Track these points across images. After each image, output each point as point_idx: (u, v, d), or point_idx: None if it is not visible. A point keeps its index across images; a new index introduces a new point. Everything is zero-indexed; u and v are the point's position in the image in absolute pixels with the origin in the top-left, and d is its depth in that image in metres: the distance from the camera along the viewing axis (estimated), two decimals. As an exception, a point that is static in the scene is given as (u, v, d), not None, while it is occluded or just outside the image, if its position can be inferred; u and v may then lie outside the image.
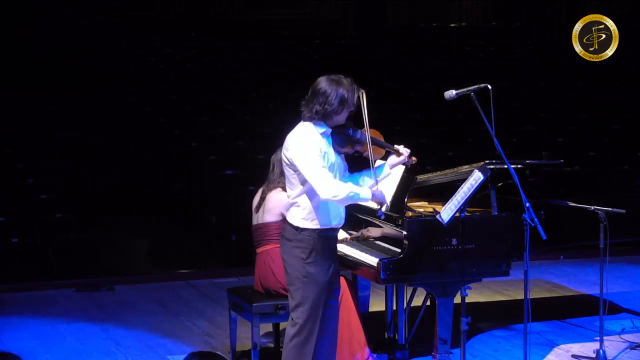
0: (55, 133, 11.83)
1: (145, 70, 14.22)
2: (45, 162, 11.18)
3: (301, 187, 5.27)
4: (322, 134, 5.28)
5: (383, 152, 5.53)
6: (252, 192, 6.53)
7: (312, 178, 5.18)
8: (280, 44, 15.68)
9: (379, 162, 5.54)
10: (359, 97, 5.31)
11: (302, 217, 5.29)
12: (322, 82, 5.28)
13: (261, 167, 7.70)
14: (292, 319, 5.37)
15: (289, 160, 5.28)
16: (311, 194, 5.26)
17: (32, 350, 6.97)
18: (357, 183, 5.48)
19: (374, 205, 6.14)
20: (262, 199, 6.35)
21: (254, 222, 6.41)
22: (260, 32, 15.96)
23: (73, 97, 12.75)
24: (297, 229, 5.30)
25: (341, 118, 5.31)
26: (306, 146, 5.21)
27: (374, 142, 5.42)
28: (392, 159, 5.56)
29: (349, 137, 5.35)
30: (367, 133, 5.35)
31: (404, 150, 5.53)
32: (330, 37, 16.36)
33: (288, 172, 5.33)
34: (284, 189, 6.23)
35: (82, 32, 14.46)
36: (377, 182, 5.42)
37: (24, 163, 11.19)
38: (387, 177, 5.70)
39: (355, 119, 5.41)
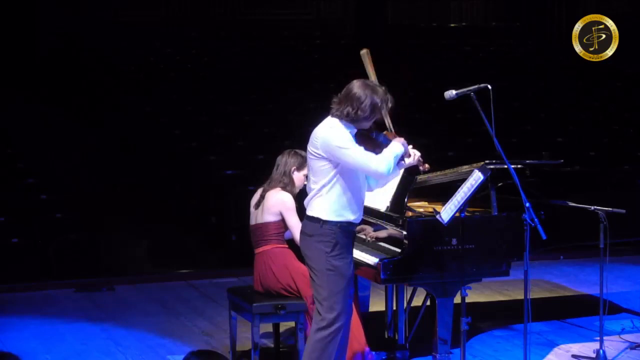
0: (55, 133, 11.83)
1: (145, 70, 14.22)
2: (45, 162, 11.18)
3: (329, 177, 5.33)
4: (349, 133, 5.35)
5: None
6: (252, 192, 6.53)
7: (361, 161, 5.26)
8: (280, 44, 15.67)
9: None
10: (390, 107, 5.43)
11: (326, 208, 5.34)
12: (358, 87, 5.36)
13: (261, 167, 7.70)
14: (320, 314, 5.38)
15: (319, 154, 5.33)
16: (339, 185, 5.32)
17: (32, 350, 6.97)
18: (369, 182, 5.55)
19: (374, 205, 6.16)
20: (262, 197, 6.36)
21: (253, 221, 6.41)
22: (260, 32, 15.95)
23: (73, 97, 12.75)
24: (318, 221, 5.35)
25: (367, 124, 5.41)
26: (343, 136, 5.29)
27: None
28: (405, 160, 5.58)
29: (372, 140, 5.44)
30: (390, 135, 5.46)
31: (414, 152, 5.56)
32: (330, 37, 16.36)
33: (316, 164, 5.36)
34: (284, 189, 6.26)
35: (82, 32, 14.46)
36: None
37: (24, 163, 11.19)
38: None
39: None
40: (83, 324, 7.75)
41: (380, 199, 6.12)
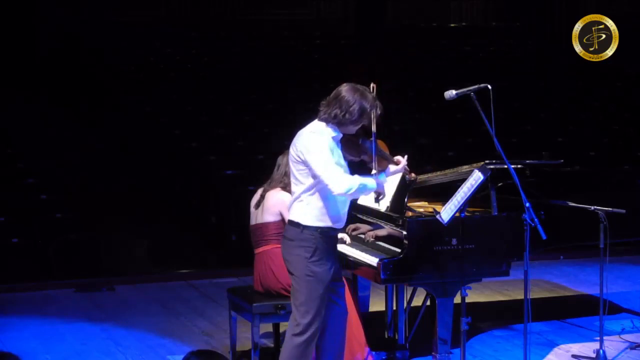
0: (55, 133, 11.84)
1: (145, 70, 14.22)
2: (45, 162, 11.18)
3: (309, 183, 5.29)
4: (333, 137, 5.32)
5: (387, 164, 5.54)
6: (252, 192, 6.53)
7: (324, 173, 5.19)
8: (280, 44, 15.68)
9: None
10: (379, 114, 5.35)
11: (306, 213, 5.31)
12: (348, 91, 5.32)
13: (261, 167, 7.70)
14: (295, 319, 5.37)
15: (298, 157, 5.30)
16: (320, 190, 5.28)
17: (32, 350, 6.97)
18: None
19: (374, 205, 6.16)
20: (262, 197, 6.36)
21: (253, 221, 6.41)
22: (260, 32, 15.95)
23: (73, 97, 12.76)
24: (298, 226, 5.31)
25: (354, 129, 5.37)
26: (319, 142, 5.24)
27: (380, 153, 5.48)
28: (391, 167, 5.55)
29: (359, 145, 5.41)
30: (374, 143, 5.38)
31: (402, 160, 5.53)
32: (330, 37, 16.36)
33: (296, 167, 5.34)
34: (284, 189, 6.25)
35: (82, 32, 14.46)
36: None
37: (24, 163, 11.19)
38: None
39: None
40: (83, 324, 7.75)
41: (380, 199, 6.12)
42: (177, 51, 15.00)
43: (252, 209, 6.44)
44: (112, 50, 14.28)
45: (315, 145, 5.23)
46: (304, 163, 5.28)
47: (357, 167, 5.56)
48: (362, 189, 5.28)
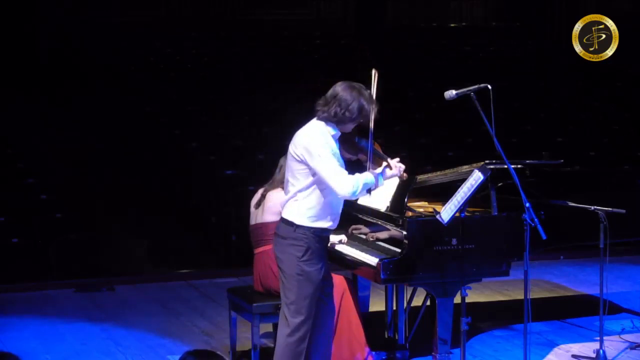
0: (55, 133, 11.84)
1: (145, 70, 14.22)
2: (45, 162, 11.18)
3: (307, 182, 5.31)
4: (332, 135, 5.35)
5: (382, 163, 5.53)
6: (252, 192, 6.54)
7: (329, 176, 5.22)
8: (280, 44, 15.68)
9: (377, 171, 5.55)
10: (376, 110, 5.36)
11: (300, 213, 5.32)
12: (345, 89, 5.33)
13: (261, 167, 7.71)
14: (286, 318, 5.38)
15: (299, 156, 5.31)
16: (318, 191, 5.29)
17: (32, 350, 6.97)
18: None
19: (374, 205, 6.16)
20: (263, 197, 6.36)
21: (253, 221, 6.42)
22: (260, 32, 15.96)
23: (73, 97, 12.76)
24: (292, 224, 5.33)
25: (351, 127, 5.39)
26: (322, 144, 5.27)
27: (376, 153, 5.48)
28: (387, 172, 5.50)
29: (355, 144, 5.43)
30: (371, 143, 5.40)
31: (399, 165, 5.48)
32: (330, 37, 16.36)
33: (295, 166, 5.34)
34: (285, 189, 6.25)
35: (82, 32, 14.46)
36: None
37: (24, 163, 11.19)
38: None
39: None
40: (83, 324, 7.75)
41: (380, 199, 6.12)
42: (177, 51, 15.00)
43: (252, 208, 6.45)
44: (112, 50, 14.28)
45: (319, 148, 5.25)
46: (304, 163, 5.28)
47: (354, 165, 5.56)
48: (365, 187, 5.31)
